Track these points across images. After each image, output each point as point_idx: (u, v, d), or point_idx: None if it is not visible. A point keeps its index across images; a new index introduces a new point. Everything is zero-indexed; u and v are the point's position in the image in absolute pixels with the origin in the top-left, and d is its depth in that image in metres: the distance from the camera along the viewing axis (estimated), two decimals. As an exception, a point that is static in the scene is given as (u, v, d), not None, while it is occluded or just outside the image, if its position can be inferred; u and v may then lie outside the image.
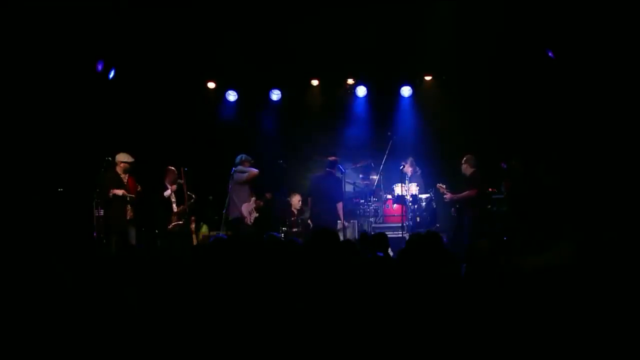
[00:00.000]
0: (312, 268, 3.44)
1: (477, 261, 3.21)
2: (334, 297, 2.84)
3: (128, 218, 7.42)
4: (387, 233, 7.90)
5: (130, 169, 7.53)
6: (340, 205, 7.80)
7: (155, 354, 2.61)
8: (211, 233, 8.54)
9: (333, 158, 7.98)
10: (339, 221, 7.90)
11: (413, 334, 2.51)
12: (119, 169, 7.46)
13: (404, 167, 8.57)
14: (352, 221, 8.37)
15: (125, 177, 7.49)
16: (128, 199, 7.36)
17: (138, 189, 7.54)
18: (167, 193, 7.94)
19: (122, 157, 7.46)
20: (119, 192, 7.30)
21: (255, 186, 8.22)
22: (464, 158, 7.90)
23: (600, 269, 2.85)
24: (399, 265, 3.50)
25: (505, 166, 7.87)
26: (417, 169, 8.81)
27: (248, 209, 7.95)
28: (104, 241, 7.26)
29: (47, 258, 3.88)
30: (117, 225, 7.34)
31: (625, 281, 2.69)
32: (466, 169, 7.90)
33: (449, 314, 2.57)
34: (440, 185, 8.14)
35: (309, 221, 8.43)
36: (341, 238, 7.68)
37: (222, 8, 7.98)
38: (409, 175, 8.50)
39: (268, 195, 8.43)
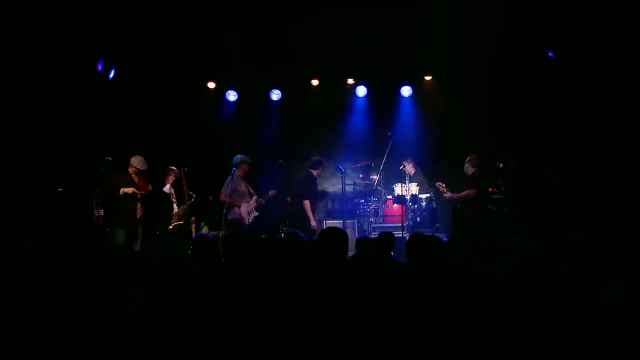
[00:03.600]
0: (313, 268, 3.43)
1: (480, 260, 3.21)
2: (333, 298, 2.84)
3: (138, 216, 7.41)
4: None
5: (140, 174, 7.53)
6: (306, 203, 7.80)
7: (155, 353, 2.61)
8: (212, 233, 8.54)
9: (315, 158, 7.99)
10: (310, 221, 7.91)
11: (415, 334, 2.51)
12: (130, 170, 7.46)
13: (404, 167, 8.58)
14: (349, 221, 8.35)
15: (136, 178, 7.50)
16: (139, 196, 7.36)
17: (149, 188, 7.55)
18: (166, 188, 7.95)
19: (135, 162, 7.44)
20: (129, 190, 7.29)
21: (254, 185, 8.24)
22: (467, 158, 7.93)
23: (600, 269, 2.85)
24: (400, 267, 3.50)
25: (500, 165, 7.88)
26: (418, 169, 8.82)
27: (247, 209, 7.99)
28: (105, 240, 7.27)
29: (47, 258, 3.88)
30: (127, 221, 7.33)
31: (625, 281, 2.69)
32: (468, 168, 7.93)
33: (451, 314, 2.57)
34: (440, 184, 8.15)
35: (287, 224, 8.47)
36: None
37: (222, 8, 7.98)
38: (410, 175, 8.50)
39: (271, 193, 8.42)
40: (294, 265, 3.42)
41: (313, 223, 7.87)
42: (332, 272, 3.28)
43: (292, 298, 2.85)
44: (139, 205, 7.41)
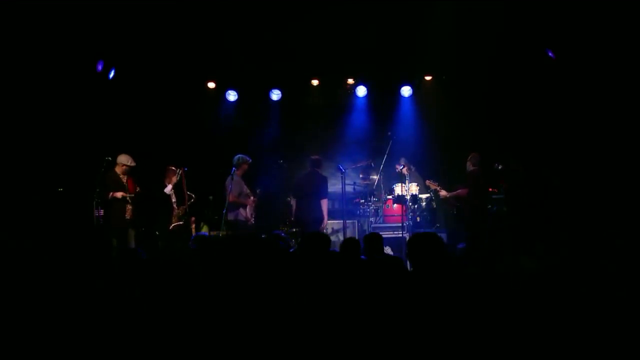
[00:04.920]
0: (308, 268, 3.44)
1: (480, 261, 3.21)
2: (331, 298, 2.84)
3: (128, 218, 7.44)
4: (387, 233, 8.00)
5: (130, 172, 7.56)
6: (324, 202, 7.75)
7: (154, 353, 2.61)
8: (211, 233, 8.54)
9: (316, 157, 7.97)
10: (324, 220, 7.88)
11: (415, 334, 2.51)
12: (118, 170, 7.48)
13: (403, 167, 8.58)
14: (349, 221, 8.34)
15: (124, 178, 7.52)
16: (128, 199, 7.40)
17: (137, 190, 7.57)
18: (168, 189, 7.96)
19: (123, 160, 7.47)
20: (118, 194, 7.35)
21: (252, 186, 8.24)
22: (469, 157, 7.95)
23: (601, 269, 2.85)
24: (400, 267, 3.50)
25: (499, 167, 7.91)
26: (412, 167, 8.83)
27: (251, 211, 8.01)
28: (104, 242, 7.27)
29: (47, 258, 3.88)
30: (117, 225, 7.37)
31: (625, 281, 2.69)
32: (468, 166, 7.96)
33: (451, 315, 2.57)
34: (431, 182, 8.20)
35: (293, 218, 8.45)
36: (332, 239, 7.74)
37: (222, 8, 7.98)
38: (407, 175, 8.51)
39: (259, 192, 8.42)
40: (283, 266, 3.42)
41: (326, 221, 7.86)
42: (324, 273, 3.29)
43: (291, 298, 2.85)
44: (129, 207, 7.43)
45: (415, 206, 8.42)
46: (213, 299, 2.93)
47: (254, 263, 3.50)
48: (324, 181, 7.81)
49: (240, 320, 2.68)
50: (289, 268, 3.42)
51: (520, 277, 2.93)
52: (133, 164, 7.52)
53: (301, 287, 3.06)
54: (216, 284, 3.22)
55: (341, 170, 8.20)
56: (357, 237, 8.18)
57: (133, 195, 7.47)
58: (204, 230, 8.89)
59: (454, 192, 7.96)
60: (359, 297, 2.80)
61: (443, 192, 8.07)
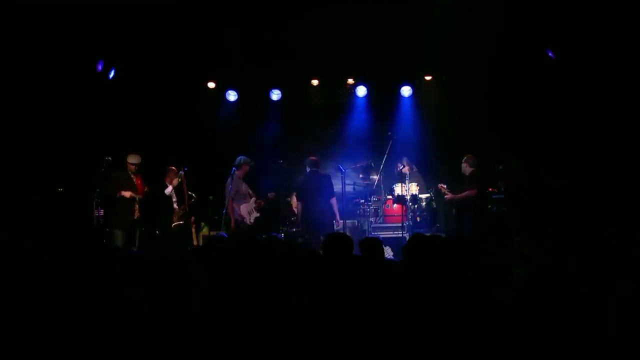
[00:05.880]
0: (313, 269, 3.44)
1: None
2: (335, 299, 2.84)
3: (135, 217, 7.41)
4: (387, 233, 7.99)
5: (139, 169, 7.54)
6: (334, 201, 7.75)
7: (154, 353, 2.61)
8: (211, 233, 8.54)
9: (313, 157, 7.95)
10: (334, 220, 7.87)
11: (418, 334, 2.51)
12: (129, 170, 7.47)
13: (403, 167, 8.57)
14: (349, 221, 8.34)
15: (134, 177, 7.51)
16: (137, 199, 7.37)
17: (146, 189, 7.56)
18: (168, 190, 7.96)
19: (133, 159, 7.46)
20: (127, 194, 7.29)
21: (253, 186, 8.24)
22: (464, 158, 7.94)
23: (603, 268, 2.85)
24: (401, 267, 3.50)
25: (500, 167, 7.90)
26: (414, 167, 8.83)
27: (247, 209, 7.99)
28: (105, 240, 7.27)
29: (47, 258, 3.88)
30: (125, 223, 7.32)
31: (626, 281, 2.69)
32: (465, 168, 7.93)
33: (454, 315, 2.57)
34: (442, 185, 8.18)
35: (293, 218, 8.43)
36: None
37: (222, 8, 7.98)
38: (408, 175, 8.51)
39: (270, 195, 8.40)
40: (289, 268, 3.42)
41: (340, 222, 7.87)
42: (332, 274, 3.28)
43: (292, 298, 2.85)
44: (137, 206, 7.42)
45: (415, 206, 8.41)
46: (213, 299, 2.93)
47: (254, 264, 3.50)
48: (328, 179, 7.81)
49: (242, 320, 2.68)
50: (291, 268, 3.41)
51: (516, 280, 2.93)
52: (140, 160, 7.52)
53: (303, 286, 3.06)
54: (217, 283, 3.22)
55: (341, 170, 8.20)
56: (360, 238, 8.20)
57: (142, 196, 7.44)
58: (205, 231, 8.89)
59: (461, 195, 7.86)
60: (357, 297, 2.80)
61: (449, 195, 8.02)
